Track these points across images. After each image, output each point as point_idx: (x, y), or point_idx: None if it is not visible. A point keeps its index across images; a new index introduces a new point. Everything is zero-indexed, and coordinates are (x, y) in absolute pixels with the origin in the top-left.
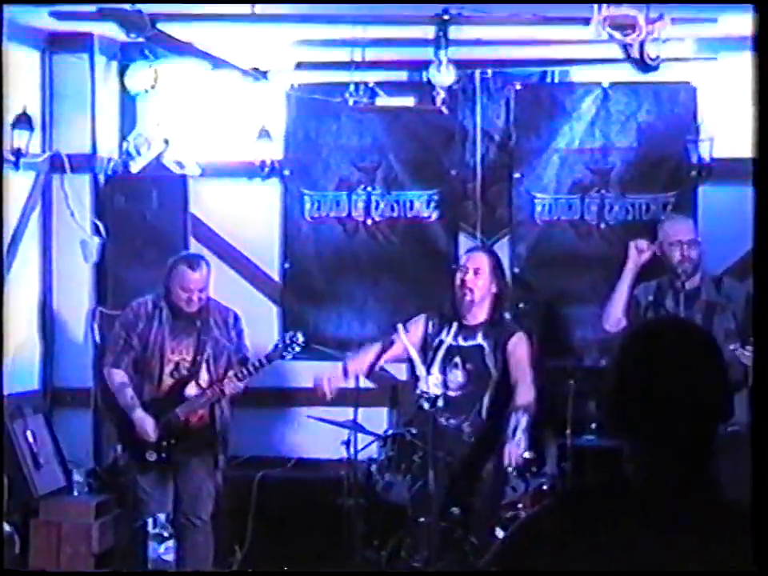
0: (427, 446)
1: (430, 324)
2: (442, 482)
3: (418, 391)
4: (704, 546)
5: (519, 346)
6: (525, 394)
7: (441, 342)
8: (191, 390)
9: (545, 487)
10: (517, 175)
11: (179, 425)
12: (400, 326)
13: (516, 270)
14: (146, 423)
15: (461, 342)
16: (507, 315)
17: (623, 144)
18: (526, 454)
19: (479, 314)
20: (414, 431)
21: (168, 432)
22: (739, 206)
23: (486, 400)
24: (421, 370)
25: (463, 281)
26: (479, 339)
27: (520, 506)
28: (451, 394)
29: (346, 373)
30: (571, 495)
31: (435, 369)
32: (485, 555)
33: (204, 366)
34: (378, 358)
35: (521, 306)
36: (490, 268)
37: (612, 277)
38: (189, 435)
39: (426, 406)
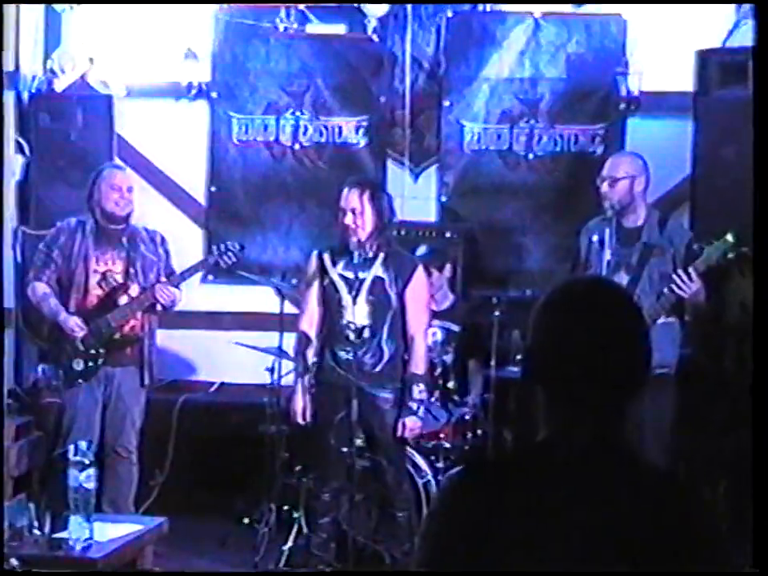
0: (349, 374)
1: (326, 257)
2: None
3: (344, 321)
4: (618, 508)
5: (419, 283)
6: (419, 360)
7: (352, 276)
8: (123, 300)
9: (467, 417)
10: (446, 103)
11: (109, 333)
12: (326, 256)
13: (443, 198)
14: (72, 321)
15: (360, 275)
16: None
17: (553, 75)
18: (449, 384)
19: (369, 246)
20: (334, 361)
21: (97, 339)
22: (667, 138)
23: (385, 330)
24: (347, 300)
25: (344, 222)
26: (378, 271)
27: (442, 435)
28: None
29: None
30: (485, 462)
31: (361, 299)
32: (399, 485)
33: (134, 278)
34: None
35: (447, 234)
36: (364, 203)
37: (538, 207)
38: (119, 346)
39: (353, 336)
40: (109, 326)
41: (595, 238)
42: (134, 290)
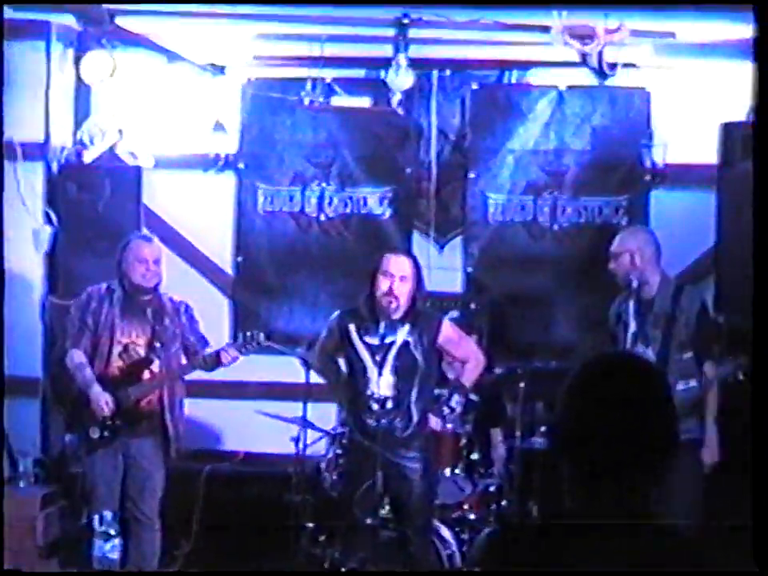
0: (375, 445)
1: (352, 326)
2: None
3: (368, 392)
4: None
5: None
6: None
7: (378, 343)
8: (145, 375)
9: (492, 489)
10: (471, 175)
11: (128, 406)
12: (351, 326)
13: (469, 269)
14: (103, 397)
15: (386, 341)
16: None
17: (577, 147)
18: (474, 456)
19: (400, 314)
20: (361, 431)
21: (115, 411)
22: (692, 210)
23: (413, 394)
24: (372, 371)
25: (391, 288)
26: (404, 335)
27: (466, 506)
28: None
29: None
30: (515, 526)
31: (387, 370)
32: (425, 557)
33: (157, 353)
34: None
35: (472, 306)
36: (414, 273)
37: (563, 279)
38: (137, 418)
39: (376, 407)
40: (128, 399)
41: (617, 310)
42: (156, 365)
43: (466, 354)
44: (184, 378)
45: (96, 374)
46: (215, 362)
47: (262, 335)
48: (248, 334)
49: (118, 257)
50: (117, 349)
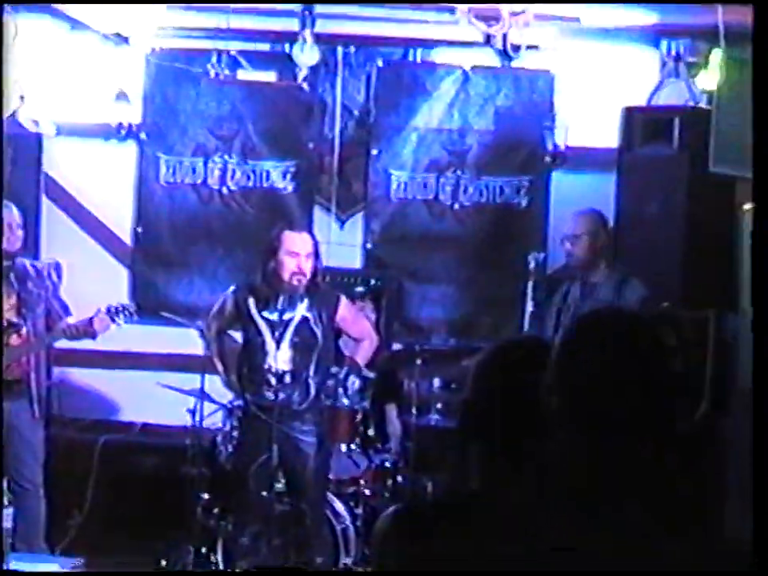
0: (271, 418)
1: (251, 300)
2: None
3: (266, 366)
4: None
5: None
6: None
7: (277, 318)
8: (13, 341)
9: (387, 464)
10: (374, 151)
11: None
12: (251, 300)
13: (369, 245)
14: None
15: (285, 317)
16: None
17: (481, 126)
18: (369, 431)
19: (301, 289)
20: (257, 405)
21: None
22: (591, 192)
23: (311, 368)
24: (271, 345)
25: (299, 267)
26: (303, 310)
27: (362, 482)
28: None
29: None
30: (418, 506)
31: (285, 345)
32: (319, 531)
33: (24, 319)
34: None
35: (372, 282)
36: (314, 249)
37: (463, 258)
38: (6, 384)
39: (274, 381)
40: None
41: (564, 291)
42: (24, 330)
43: (361, 333)
44: (52, 346)
45: None
46: (86, 330)
47: (133, 306)
48: (112, 307)
49: None
50: None
